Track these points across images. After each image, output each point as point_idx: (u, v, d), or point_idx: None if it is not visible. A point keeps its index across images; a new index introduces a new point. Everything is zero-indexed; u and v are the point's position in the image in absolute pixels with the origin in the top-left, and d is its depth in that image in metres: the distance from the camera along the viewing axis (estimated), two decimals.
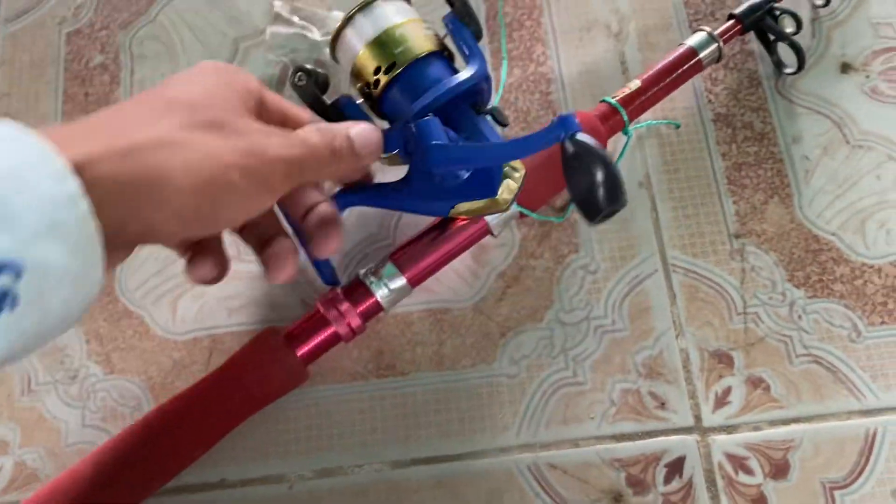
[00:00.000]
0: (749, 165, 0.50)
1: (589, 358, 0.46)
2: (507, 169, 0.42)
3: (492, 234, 0.45)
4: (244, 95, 0.33)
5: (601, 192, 0.34)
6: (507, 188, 0.41)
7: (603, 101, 0.47)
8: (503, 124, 0.42)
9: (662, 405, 0.45)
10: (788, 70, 0.51)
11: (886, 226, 0.48)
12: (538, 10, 0.54)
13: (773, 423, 0.44)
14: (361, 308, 0.43)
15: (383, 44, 0.40)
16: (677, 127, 0.50)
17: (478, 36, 0.42)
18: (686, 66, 0.48)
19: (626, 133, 0.47)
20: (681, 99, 0.51)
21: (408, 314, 0.47)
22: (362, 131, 0.35)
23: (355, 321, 0.43)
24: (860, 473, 0.43)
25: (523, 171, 0.42)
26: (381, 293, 0.43)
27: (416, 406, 0.45)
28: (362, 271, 0.44)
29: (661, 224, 0.49)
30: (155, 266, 0.49)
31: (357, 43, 0.41)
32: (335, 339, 0.43)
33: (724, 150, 0.50)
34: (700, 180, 0.49)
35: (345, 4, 0.47)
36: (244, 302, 0.47)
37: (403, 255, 0.44)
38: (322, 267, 0.42)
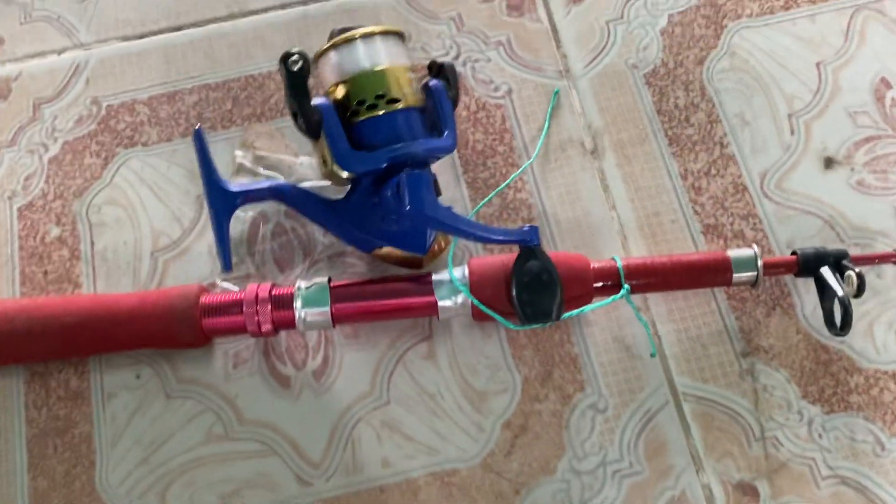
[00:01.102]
0: None
1: None
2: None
3: (436, 316, 0.45)
4: None
5: (557, 310, 0.42)
6: (432, 252, 0.46)
7: (613, 258, 0.45)
8: (438, 194, 0.44)
9: None
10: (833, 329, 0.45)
11: (895, 327, 0.47)
12: (509, 134, 0.52)
13: None
14: (277, 316, 0.44)
15: (386, 79, 0.43)
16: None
17: (455, 103, 0.46)
18: (710, 275, 0.45)
19: (626, 298, 0.45)
20: (666, 213, 0.50)
21: (412, 480, 0.44)
22: None
23: (266, 326, 0.44)
24: None
25: (446, 245, 0.47)
26: (301, 314, 0.44)
27: None
28: (299, 284, 0.44)
29: (665, 350, 0.47)
30: (139, 453, 0.45)
31: (364, 62, 0.43)
32: (242, 329, 0.44)
33: None
34: (698, 298, 0.48)
35: (310, 149, 0.45)
36: (236, 486, 0.44)
37: (341, 290, 0.44)
38: (223, 253, 0.43)
